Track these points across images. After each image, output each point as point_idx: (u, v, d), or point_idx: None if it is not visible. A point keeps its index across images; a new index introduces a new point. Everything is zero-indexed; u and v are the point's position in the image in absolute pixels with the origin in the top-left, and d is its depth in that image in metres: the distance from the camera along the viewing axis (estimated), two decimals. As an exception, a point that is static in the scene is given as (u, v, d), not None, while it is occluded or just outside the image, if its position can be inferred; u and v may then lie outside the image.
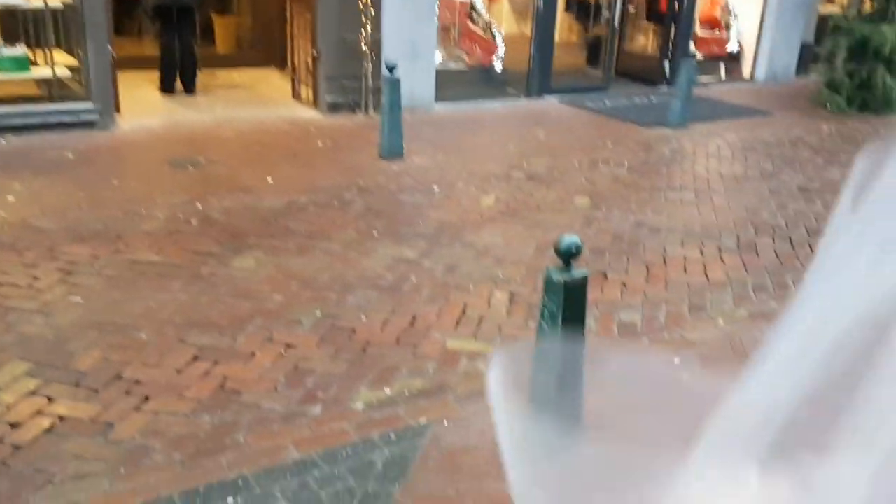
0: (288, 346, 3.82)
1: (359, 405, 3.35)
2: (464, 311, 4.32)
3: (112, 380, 3.43)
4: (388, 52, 8.46)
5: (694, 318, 4.42)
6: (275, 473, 2.84)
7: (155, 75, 9.26)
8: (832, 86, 10.55)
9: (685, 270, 5.07)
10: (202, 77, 9.60)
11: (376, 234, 5.39)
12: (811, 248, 5.58)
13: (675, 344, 4.08)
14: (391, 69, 6.95)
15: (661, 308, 4.51)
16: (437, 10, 9.15)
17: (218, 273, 4.61)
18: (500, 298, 4.51)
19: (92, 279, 4.44)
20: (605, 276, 4.88)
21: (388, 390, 3.49)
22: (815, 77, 11.49)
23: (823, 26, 12.10)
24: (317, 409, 3.31)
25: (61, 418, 3.13)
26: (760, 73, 12.33)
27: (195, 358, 3.66)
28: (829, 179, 7.30)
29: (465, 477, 2.87)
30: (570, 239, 2.82)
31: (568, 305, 2.85)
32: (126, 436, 3.04)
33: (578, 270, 2.87)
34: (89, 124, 7.47)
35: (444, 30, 9.81)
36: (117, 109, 7.86)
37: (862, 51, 10.20)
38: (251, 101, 9.23)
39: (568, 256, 2.83)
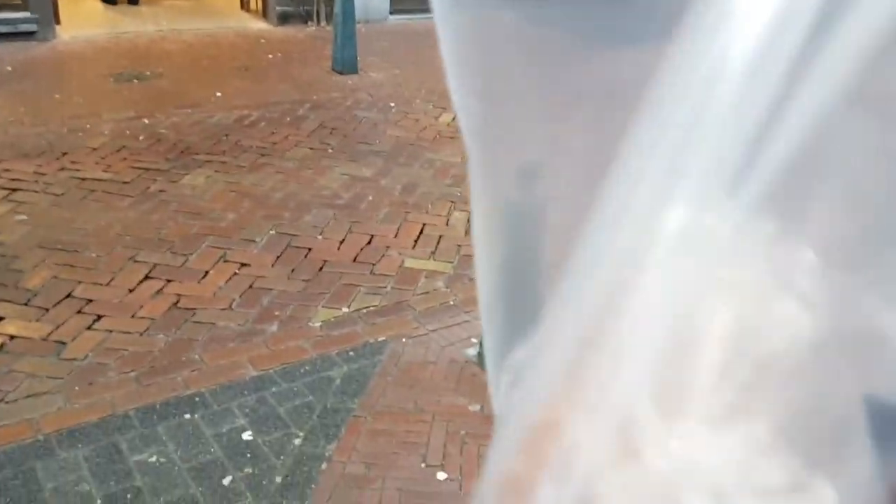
0: (242, 264, 3.78)
1: (316, 323, 3.35)
2: (422, 231, 4.30)
3: (63, 299, 3.36)
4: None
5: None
6: (232, 390, 2.84)
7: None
8: None
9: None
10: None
11: (331, 151, 5.30)
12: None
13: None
14: (344, -21, 6.71)
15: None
16: (391, -83, 8.81)
17: (168, 191, 4.50)
18: (459, 218, 4.49)
19: (37, 197, 4.30)
20: (561, 194, 4.89)
21: (345, 308, 3.48)
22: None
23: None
24: (273, 328, 3.29)
25: (12, 337, 3.07)
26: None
27: (147, 277, 3.60)
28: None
29: (423, 391, 2.91)
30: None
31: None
32: (79, 354, 3.00)
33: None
34: (28, 35, 7.12)
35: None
36: (57, 20, 7.49)
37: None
38: (197, 13, 8.87)
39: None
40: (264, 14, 8.62)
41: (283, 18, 8.42)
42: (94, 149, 4.98)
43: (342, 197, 4.63)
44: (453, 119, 6.16)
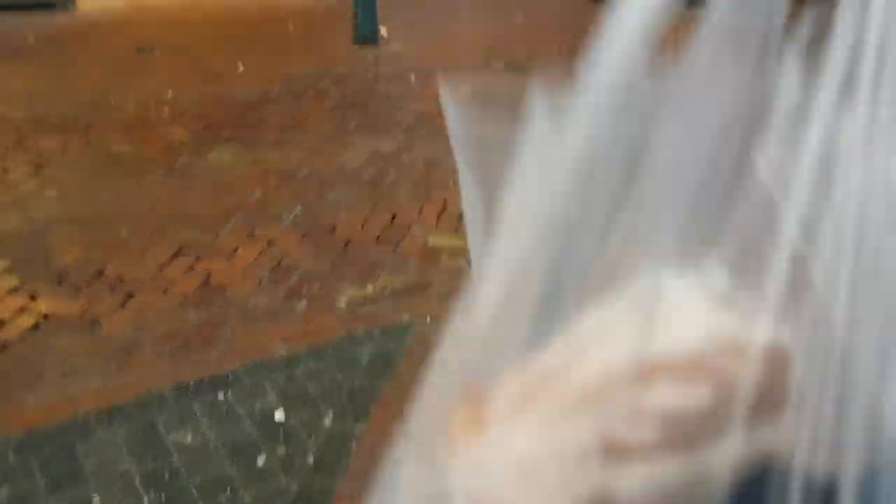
0: (270, 242, 3.83)
1: (342, 302, 3.40)
2: (444, 208, 4.33)
3: (94, 276, 3.42)
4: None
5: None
6: (263, 368, 2.90)
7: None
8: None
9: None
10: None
11: (353, 126, 5.32)
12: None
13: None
14: (366, -50, 6.66)
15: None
16: None
17: (194, 166, 4.55)
18: (480, 194, 4.51)
19: (65, 172, 4.36)
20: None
21: (370, 288, 3.53)
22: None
23: None
24: (301, 305, 3.35)
25: (46, 316, 3.14)
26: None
27: (177, 253, 3.65)
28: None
29: (449, 372, 2.96)
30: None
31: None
32: (113, 332, 3.07)
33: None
34: (49, 6, 7.13)
35: None
36: (77, -11, 7.50)
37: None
38: (218, -19, 8.83)
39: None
40: (284, -17, 8.59)
41: (304, -12, 8.38)
42: (119, 122, 5.02)
43: (365, 173, 4.66)
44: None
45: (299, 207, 4.18)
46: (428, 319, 3.30)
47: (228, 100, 5.55)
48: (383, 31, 7.18)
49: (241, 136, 4.98)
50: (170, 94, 5.54)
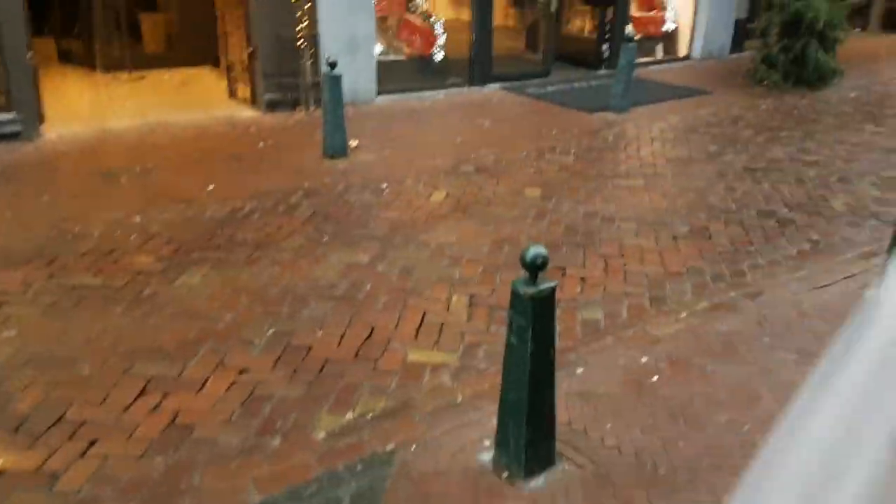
0: (241, 370, 3.64)
1: (320, 433, 3.20)
2: (423, 319, 4.19)
3: (55, 423, 3.20)
4: (327, 46, 8.22)
5: (656, 311, 4.36)
6: (237, 518, 2.68)
7: (80, 73, 8.84)
8: (767, 61, 10.65)
9: (642, 261, 5.02)
10: (130, 79, 9.21)
11: (326, 238, 5.22)
12: (763, 231, 5.59)
13: (640, 340, 4.01)
14: (332, 66, 6.72)
15: (622, 302, 4.45)
16: (374, 1, 8.92)
17: (162, 293, 4.38)
18: (460, 302, 4.39)
19: (26, 308, 4.17)
20: (563, 271, 4.80)
21: (350, 414, 3.34)
22: (750, 53, 11.61)
23: (757, 1, 12.24)
24: (276, 441, 3.14)
25: (1, 472, 2.90)
26: (697, 51, 12.41)
27: (143, 391, 3.45)
28: (772, 158, 7.35)
29: (438, 506, 2.75)
30: (535, 250, 2.71)
31: (537, 318, 2.74)
32: (73, 486, 2.83)
33: (545, 283, 2.76)
34: (12, 136, 7.07)
35: (382, 21, 9.58)
36: (41, 119, 7.46)
37: (795, 25, 10.31)
38: (185, 103, 8.88)
39: (534, 268, 2.72)
40: (253, 102, 8.65)
41: (272, 105, 8.43)
42: (84, 253, 4.87)
43: (339, 287, 4.53)
44: (444, 197, 6.12)
45: (272, 330, 4.01)
46: (413, 447, 3.10)
47: (197, 220, 5.44)
48: (353, 142, 7.20)
49: (210, 257, 4.84)
50: (137, 219, 5.42)
